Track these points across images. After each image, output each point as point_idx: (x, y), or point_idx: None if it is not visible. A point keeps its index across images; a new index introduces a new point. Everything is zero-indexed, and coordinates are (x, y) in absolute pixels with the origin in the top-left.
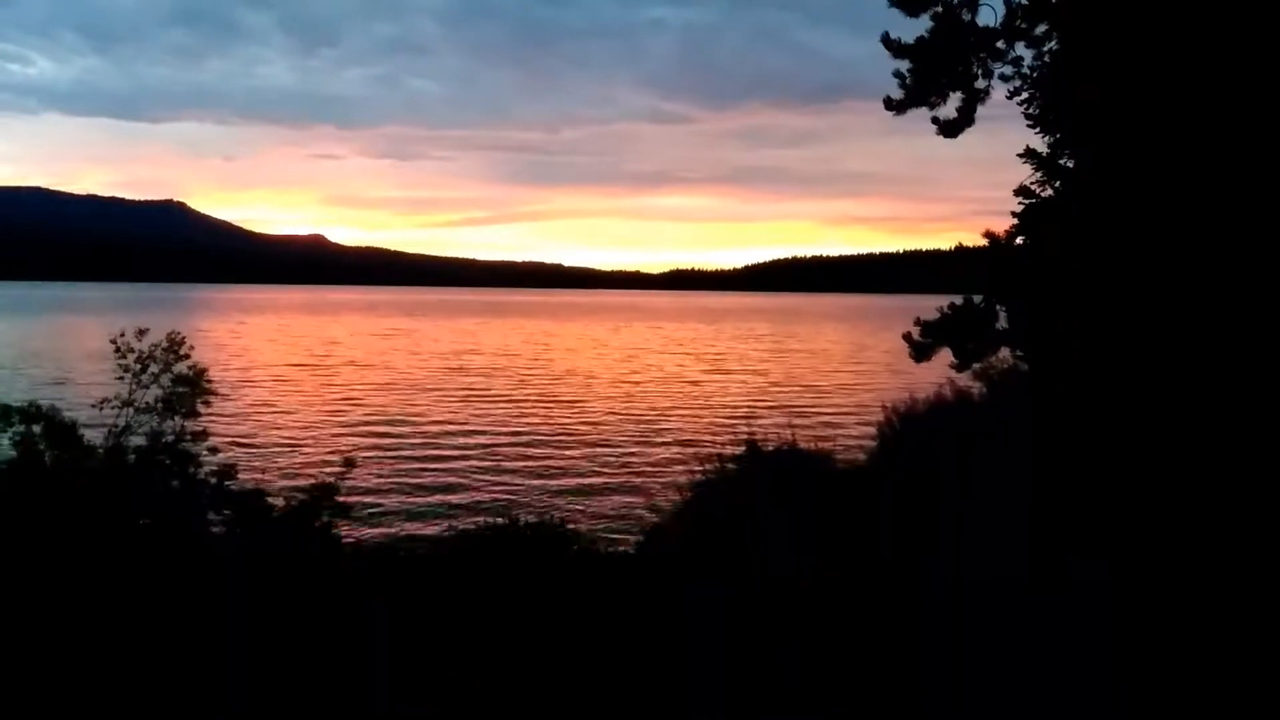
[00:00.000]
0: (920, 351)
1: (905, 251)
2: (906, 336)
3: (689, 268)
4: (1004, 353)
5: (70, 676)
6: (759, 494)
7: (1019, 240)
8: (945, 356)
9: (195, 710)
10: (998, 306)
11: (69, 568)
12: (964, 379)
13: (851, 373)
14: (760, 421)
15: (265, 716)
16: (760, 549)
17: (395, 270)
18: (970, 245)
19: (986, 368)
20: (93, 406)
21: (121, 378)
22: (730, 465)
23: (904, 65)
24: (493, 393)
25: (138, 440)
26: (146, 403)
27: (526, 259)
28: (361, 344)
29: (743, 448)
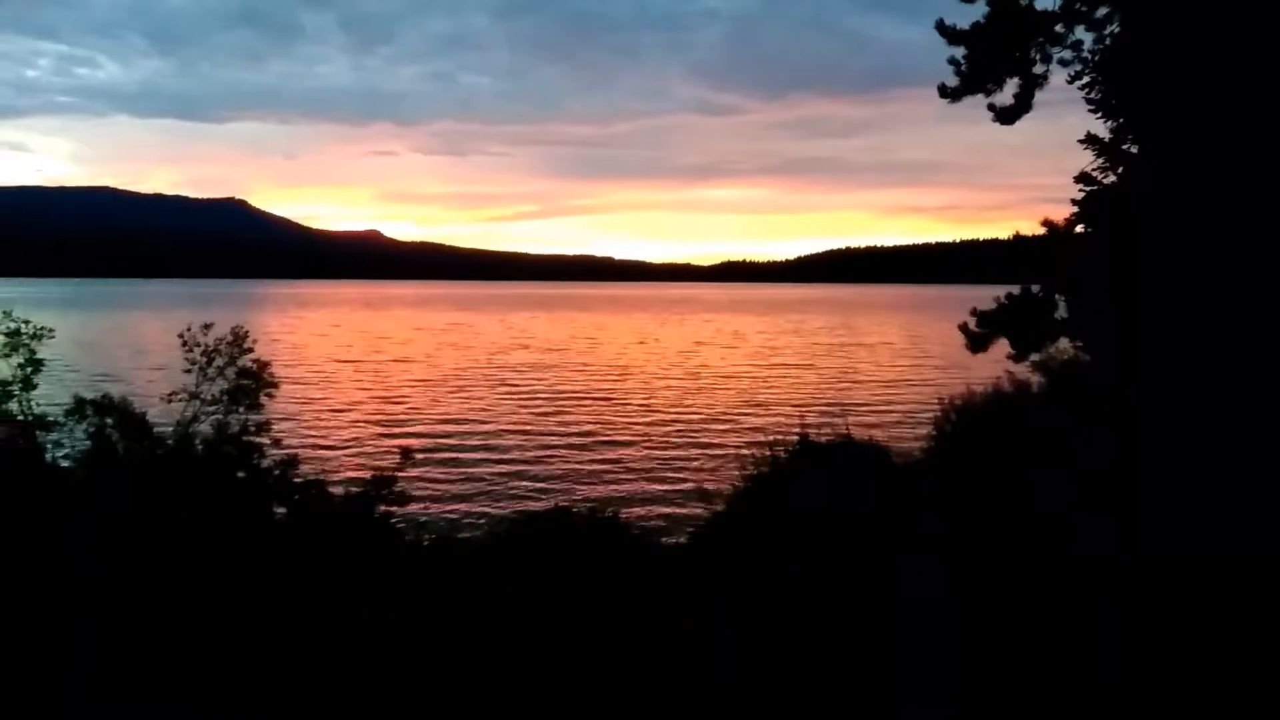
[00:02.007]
0: (977, 342)
1: (962, 241)
2: (963, 327)
3: (740, 260)
4: (1063, 343)
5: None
6: (812, 488)
7: (1079, 228)
8: (1003, 348)
9: (259, 692)
10: (1057, 296)
11: (143, 553)
12: (1022, 370)
13: (907, 365)
14: (814, 414)
15: (324, 697)
16: (813, 542)
17: (449, 265)
18: (1029, 234)
19: (1045, 359)
20: (162, 399)
21: (189, 371)
22: (783, 458)
23: (959, 52)
24: (545, 386)
25: (204, 432)
26: (212, 395)
27: (578, 252)
28: (416, 338)
29: (796, 441)
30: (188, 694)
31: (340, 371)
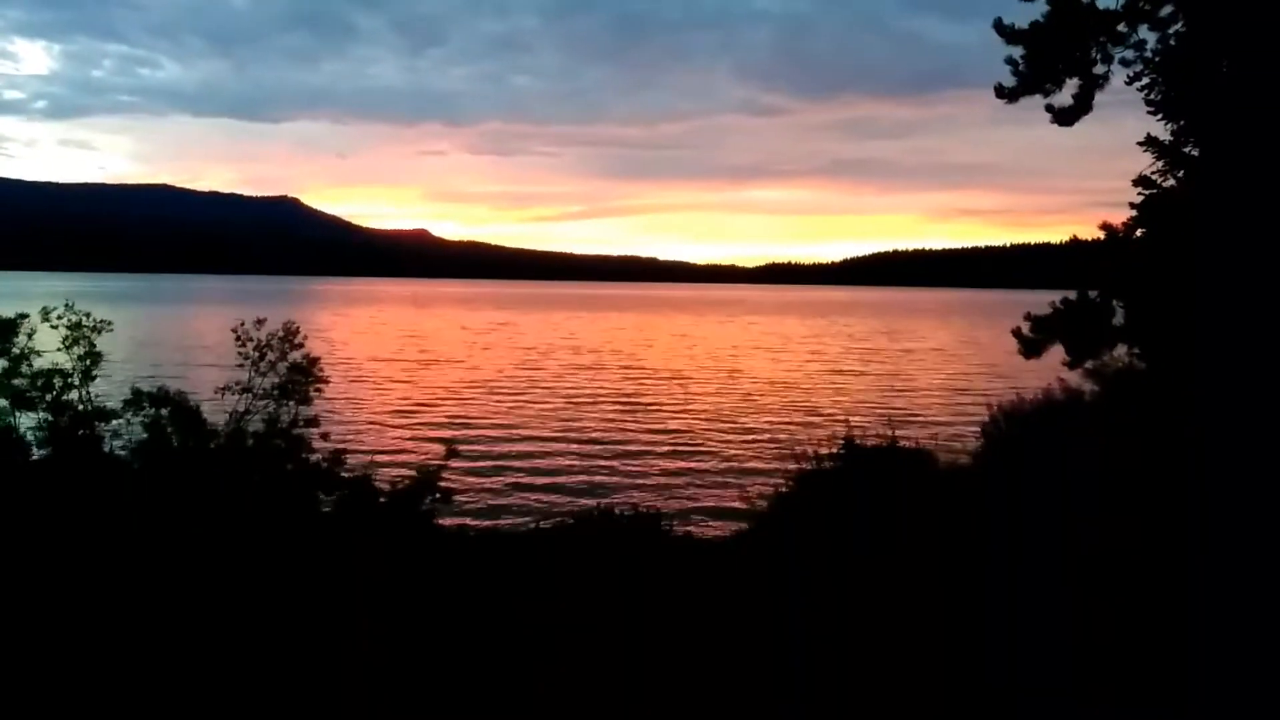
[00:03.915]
0: (1031, 348)
1: (1014, 245)
2: (1016, 332)
3: (786, 261)
4: (1119, 351)
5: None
6: (856, 492)
7: (1138, 233)
8: (1055, 354)
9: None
10: (1115, 302)
11: (193, 542)
12: (1074, 378)
13: (955, 371)
14: (859, 419)
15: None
16: (856, 547)
17: (495, 264)
18: (1086, 238)
19: (1100, 366)
20: (215, 392)
21: (241, 365)
22: (827, 463)
23: (1017, 51)
24: (588, 387)
25: (256, 425)
26: (263, 389)
27: (622, 253)
28: (462, 337)
29: (840, 445)
30: (230, 686)
31: (384, 368)
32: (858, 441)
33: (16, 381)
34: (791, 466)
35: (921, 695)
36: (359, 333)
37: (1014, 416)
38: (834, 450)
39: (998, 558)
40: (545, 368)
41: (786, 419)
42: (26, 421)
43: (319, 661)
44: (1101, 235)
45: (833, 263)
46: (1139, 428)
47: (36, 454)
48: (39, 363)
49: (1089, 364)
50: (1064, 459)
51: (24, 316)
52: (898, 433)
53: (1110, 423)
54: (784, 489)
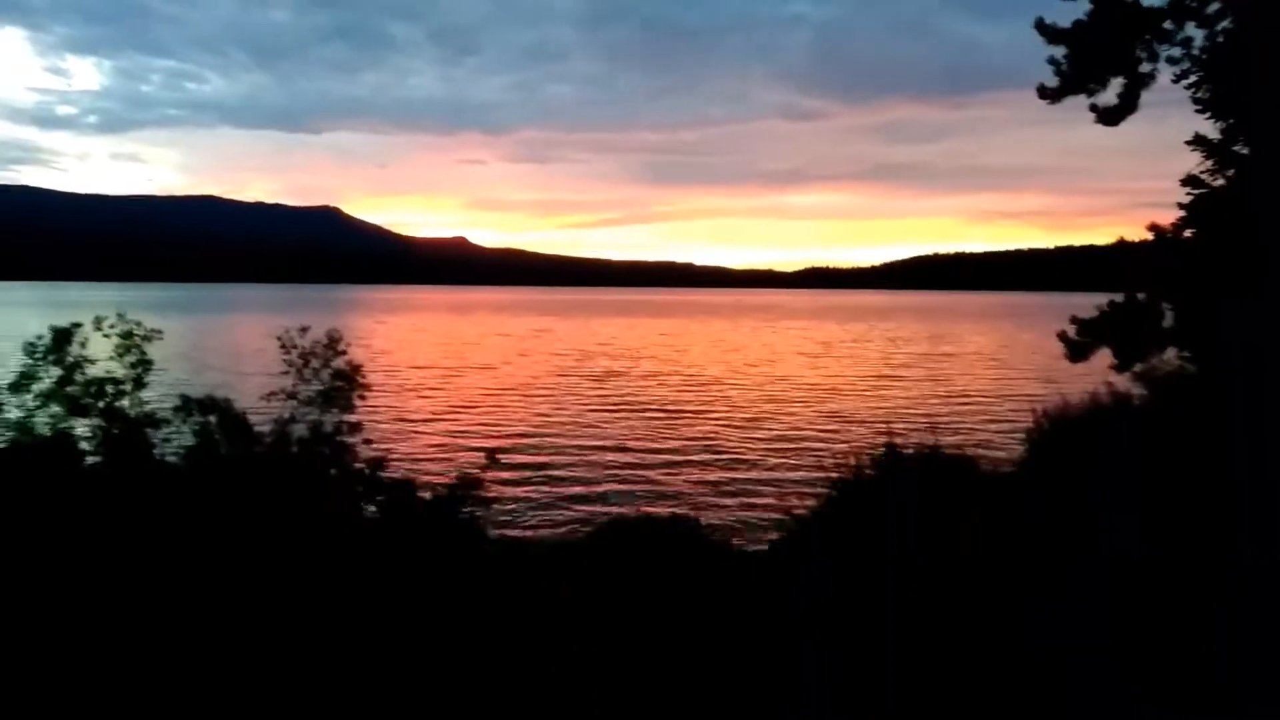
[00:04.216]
0: (1077, 351)
1: (1057, 247)
2: (1062, 335)
3: (824, 266)
4: (1169, 354)
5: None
6: (897, 499)
7: (1188, 233)
8: (1102, 358)
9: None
10: (1164, 304)
11: (243, 545)
12: (1122, 382)
13: (997, 375)
14: (900, 425)
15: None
16: (898, 554)
17: (532, 271)
18: (1133, 239)
19: (1149, 369)
20: (261, 399)
21: (286, 372)
22: (868, 469)
23: (1059, 51)
24: (626, 393)
25: (300, 432)
26: (308, 396)
27: (659, 259)
28: (500, 344)
29: (882, 451)
30: (274, 690)
31: (424, 375)
32: (899, 448)
33: (71, 389)
34: (832, 473)
35: (964, 701)
36: (399, 340)
37: (1059, 421)
38: (875, 457)
39: (1042, 564)
40: (583, 374)
41: (826, 425)
42: (81, 428)
43: (359, 662)
44: (1150, 236)
45: (872, 266)
46: (1189, 432)
47: (90, 460)
48: (92, 371)
49: (1138, 367)
50: (1112, 465)
51: (77, 326)
52: (940, 439)
53: (1160, 428)
54: (824, 496)
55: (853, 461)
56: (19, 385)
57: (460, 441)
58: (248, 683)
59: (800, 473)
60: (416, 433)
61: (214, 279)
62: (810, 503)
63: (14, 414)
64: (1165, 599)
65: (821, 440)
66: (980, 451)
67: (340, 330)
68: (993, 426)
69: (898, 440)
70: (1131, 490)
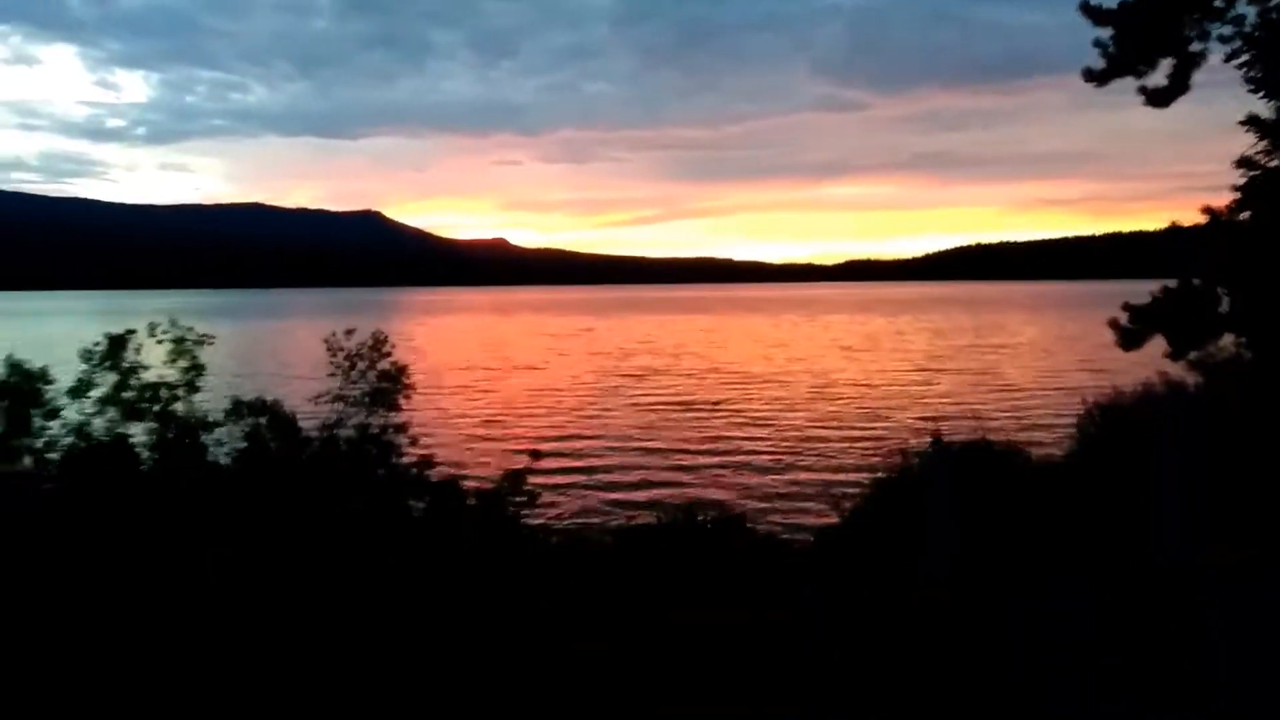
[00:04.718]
0: (1130, 339)
1: (1104, 234)
2: (1114, 323)
3: (864, 258)
4: (1225, 340)
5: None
6: (944, 491)
7: (1243, 216)
8: (1155, 347)
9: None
10: (1220, 289)
11: (293, 544)
12: (1176, 369)
13: (1045, 365)
14: (946, 418)
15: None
16: (944, 546)
17: (572, 270)
18: (1185, 224)
19: (1204, 357)
20: (309, 401)
21: (333, 374)
22: (915, 461)
23: (1106, 33)
24: (667, 389)
25: (347, 432)
26: (354, 397)
27: (698, 255)
28: (540, 343)
29: (928, 443)
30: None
31: (467, 375)
32: (945, 439)
33: (127, 394)
34: (878, 467)
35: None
36: (441, 341)
37: (1111, 411)
38: (921, 450)
39: (1095, 553)
40: (623, 372)
41: (871, 420)
42: (136, 432)
43: (404, 658)
44: (1203, 220)
45: (914, 258)
46: (1248, 420)
47: (146, 463)
48: (146, 376)
49: (1193, 355)
50: (1167, 454)
51: (132, 332)
52: (987, 431)
53: (1217, 416)
54: (870, 490)
55: (899, 455)
56: (78, 391)
57: (503, 440)
58: (294, 678)
59: (845, 467)
60: (460, 432)
61: (261, 284)
62: (856, 496)
63: (74, 419)
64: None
65: (866, 435)
66: (1030, 443)
67: (385, 332)
68: (1042, 418)
69: (944, 431)
70: (1186, 480)
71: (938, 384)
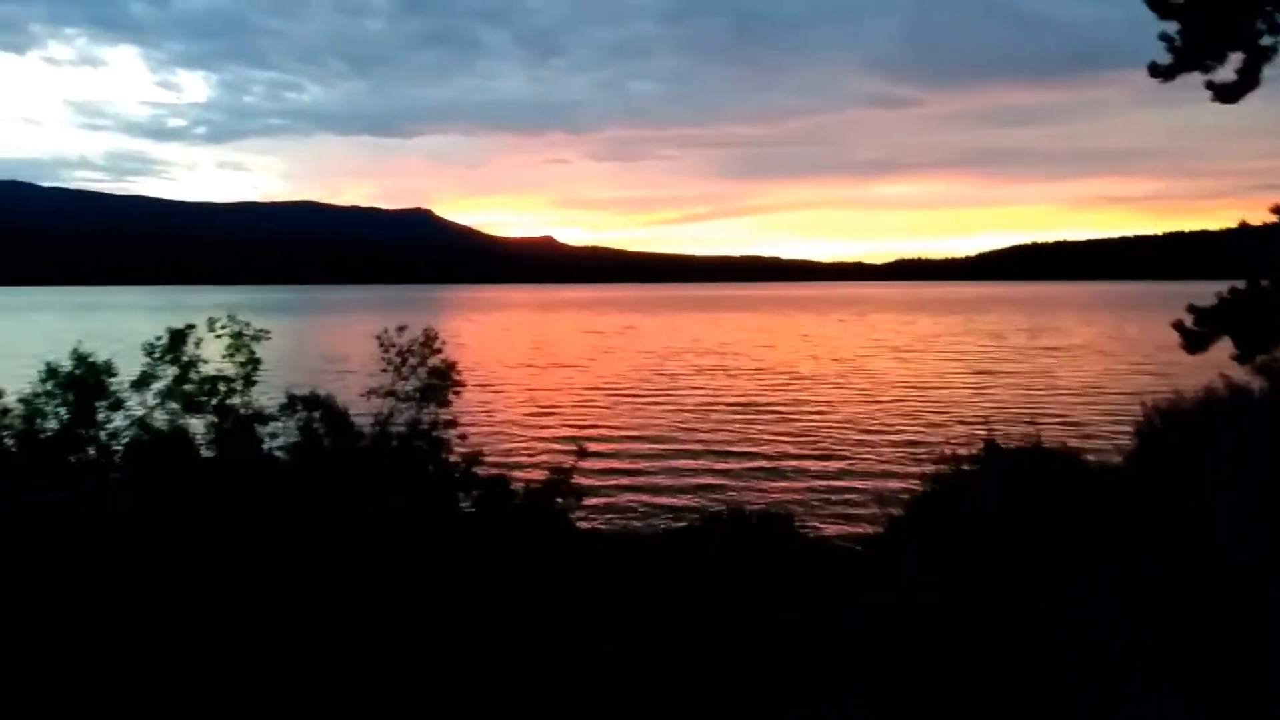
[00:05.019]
0: (1195, 342)
1: (1166, 234)
2: (1178, 325)
3: (915, 257)
4: None
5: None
6: (996, 496)
7: None
8: (1220, 350)
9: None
10: None
11: (344, 535)
12: (1242, 374)
13: (1103, 368)
14: (999, 420)
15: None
16: (995, 553)
17: (619, 268)
18: (1253, 223)
19: (1271, 360)
20: (361, 396)
21: (385, 370)
22: (966, 465)
23: (1173, 26)
24: (713, 389)
25: (398, 427)
26: (406, 393)
27: (746, 253)
28: (587, 341)
29: (980, 447)
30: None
31: (514, 373)
32: (998, 443)
33: (186, 387)
34: (927, 470)
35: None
36: (490, 338)
37: (1172, 416)
38: (973, 453)
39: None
40: (670, 371)
41: (920, 422)
42: (195, 424)
43: (451, 649)
44: (1273, 218)
45: (967, 257)
46: None
47: (204, 454)
48: (205, 370)
49: (1260, 358)
50: (1228, 459)
51: (191, 327)
52: (1042, 433)
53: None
54: (920, 493)
55: (949, 458)
56: (140, 383)
57: (550, 437)
58: (343, 664)
59: (894, 470)
60: (507, 428)
61: (314, 281)
62: (905, 499)
63: (137, 411)
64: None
65: (915, 437)
66: (1086, 448)
67: (435, 329)
68: (1099, 422)
69: (997, 434)
70: (1251, 487)
71: (990, 386)
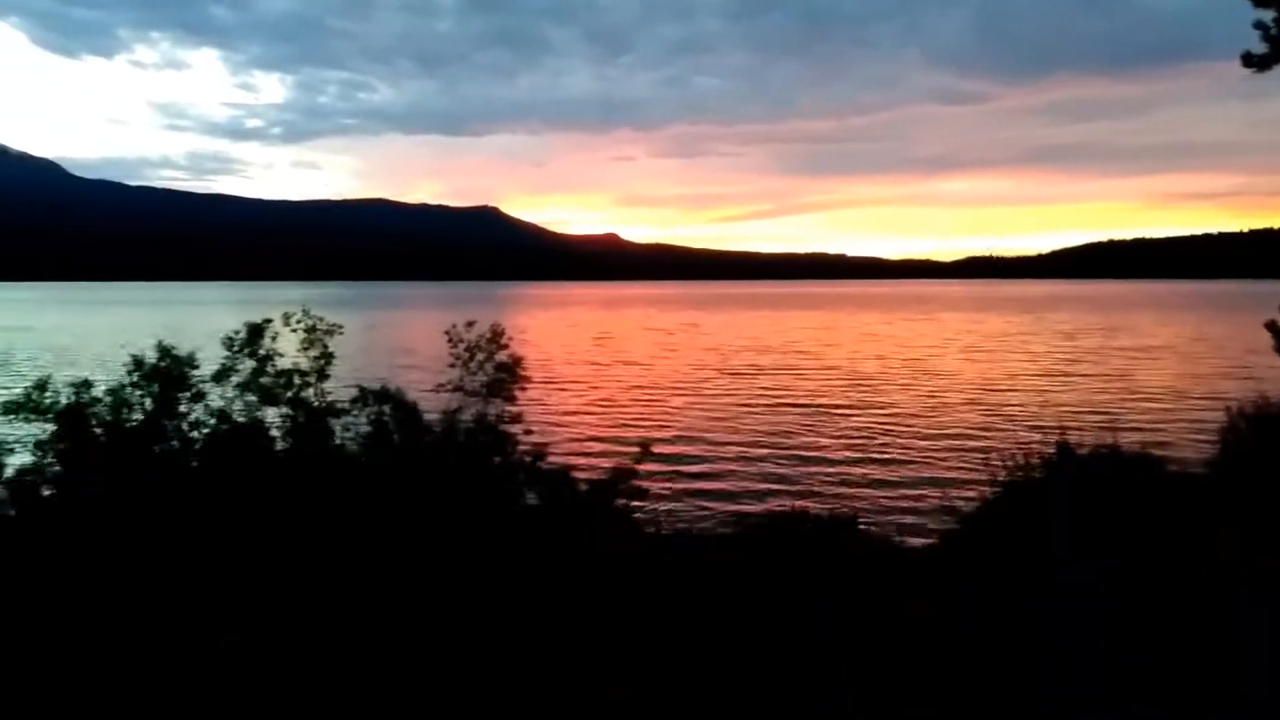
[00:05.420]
0: None
1: (1251, 230)
2: (1270, 325)
3: (985, 254)
4: None
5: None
6: (1068, 500)
7: None
8: None
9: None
10: None
11: (415, 528)
12: None
13: (1184, 370)
14: (1072, 423)
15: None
16: (1068, 558)
17: (683, 265)
18: None
19: None
20: (429, 390)
21: (453, 365)
22: (1037, 468)
23: (1268, 15)
24: (776, 387)
25: (465, 421)
26: (473, 388)
27: (810, 250)
28: (650, 338)
29: (1052, 450)
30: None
31: (578, 369)
32: (1071, 445)
33: (263, 380)
34: (998, 473)
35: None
36: (554, 335)
37: (1258, 419)
38: (1045, 455)
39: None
40: (733, 369)
41: (990, 424)
42: (271, 417)
43: (516, 642)
44: None
45: (1039, 255)
46: None
47: (279, 447)
48: (281, 363)
49: None
50: None
51: (268, 322)
52: (1119, 436)
53: None
54: (990, 496)
55: (1020, 461)
56: (220, 376)
57: (613, 433)
58: (411, 657)
59: (962, 472)
60: (571, 425)
61: (384, 277)
62: (974, 503)
63: (216, 402)
64: None
65: (985, 439)
66: (1166, 454)
67: (502, 325)
68: (1180, 426)
69: (1070, 436)
70: None
71: (1063, 387)
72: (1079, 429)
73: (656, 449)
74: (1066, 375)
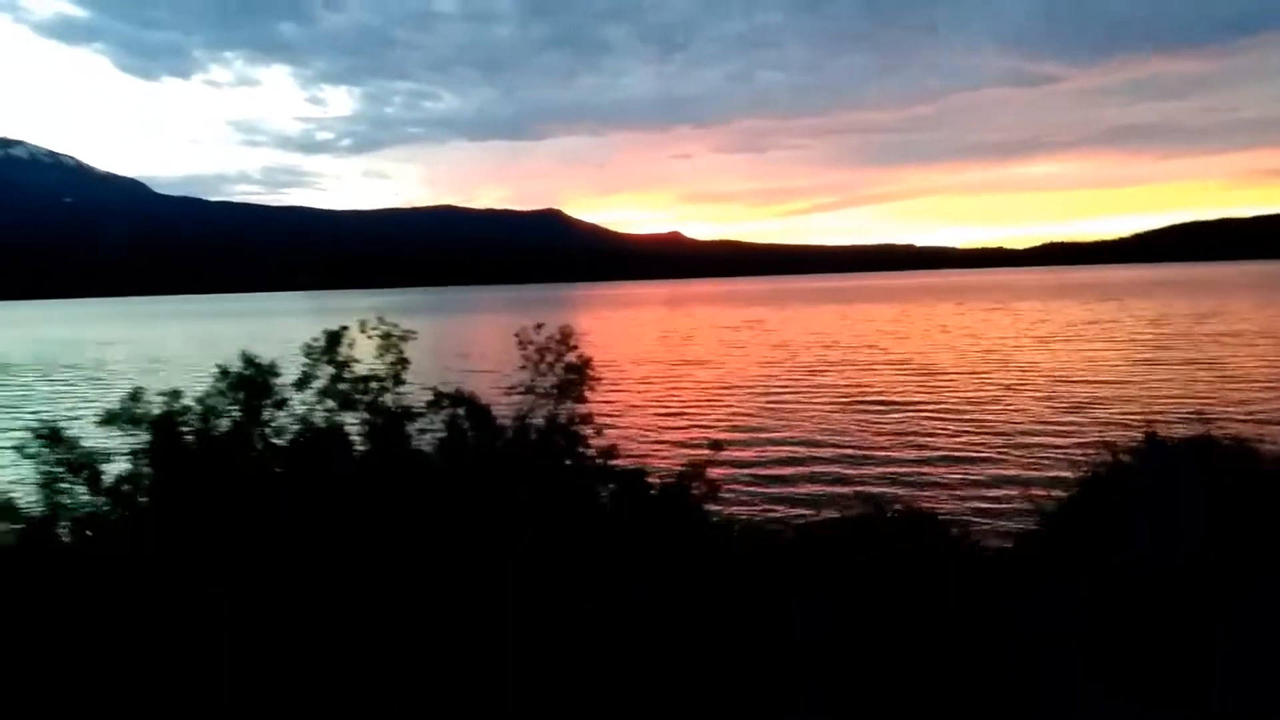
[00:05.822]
0: None
1: None
2: None
3: (1061, 240)
4: None
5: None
6: (1159, 491)
7: None
8: None
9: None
10: None
11: (491, 527)
12: None
13: None
14: (1161, 413)
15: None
16: (1156, 550)
17: (747, 261)
18: None
19: None
20: (501, 392)
21: (524, 367)
22: (1125, 459)
23: None
24: (851, 383)
25: (536, 422)
26: (544, 389)
27: (878, 242)
28: (716, 336)
29: (1141, 441)
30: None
31: (645, 369)
32: (1161, 436)
33: (342, 386)
34: (1082, 466)
35: None
36: (618, 334)
37: None
38: (1134, 447)
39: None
40: (803, 365)
41: (1073, 416)
42: (350, 421)
43: (591, 634)
44: None
45: (1119, 239)
46: None
47: (359, 449)
48: (358, 369)
49: None
50: None
51: (345, 329)
52: (1213, 426)
53: None
54: (1075, 490)
55: (1106, 452)
56: (301, 383)
57: (682, 431)
58: (483, 649)
59: (1044, 466)
60: (638, 424)
61: (453, 282)
62: (1059, 497)
63: (298, 409)
64: None
65: (1068, 431)
66: (1263, 438)
67: (571, 326)
68: (1277, 415)
69: (1158, 427)
70: None
71: (1150, 376)
72: (1169, 419)
73: (728, 447)
74: (1153, 364)
